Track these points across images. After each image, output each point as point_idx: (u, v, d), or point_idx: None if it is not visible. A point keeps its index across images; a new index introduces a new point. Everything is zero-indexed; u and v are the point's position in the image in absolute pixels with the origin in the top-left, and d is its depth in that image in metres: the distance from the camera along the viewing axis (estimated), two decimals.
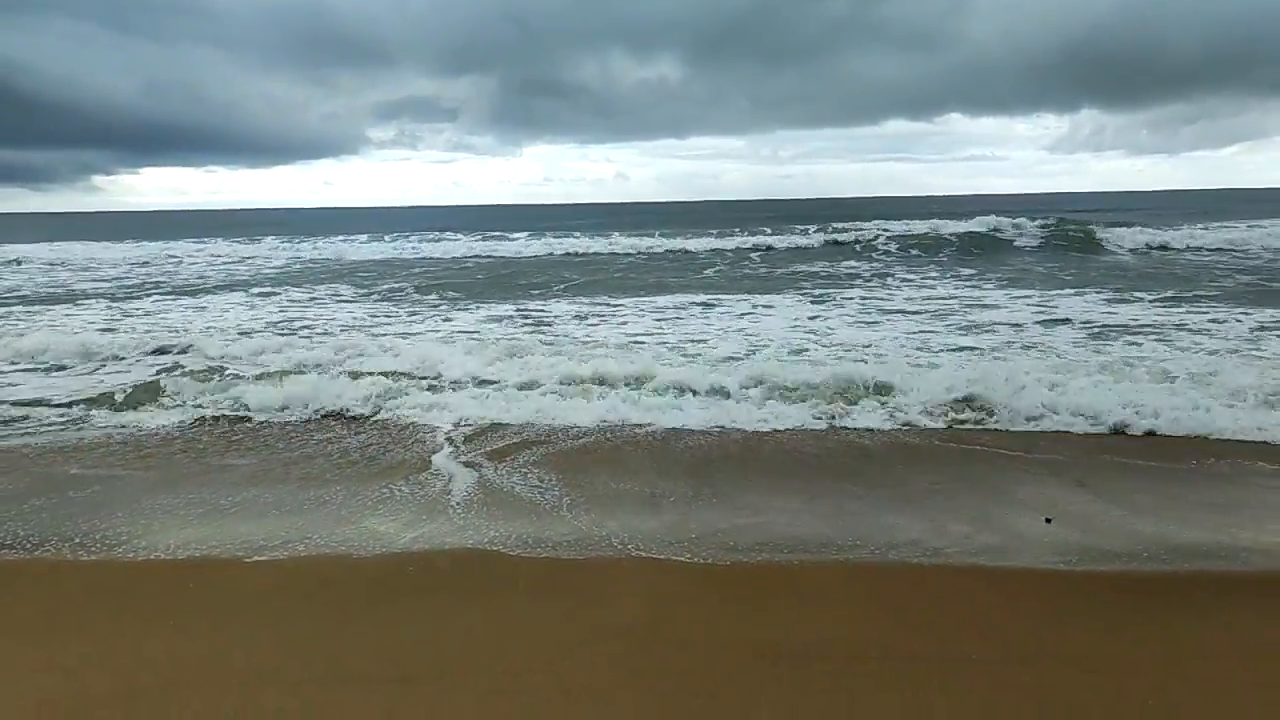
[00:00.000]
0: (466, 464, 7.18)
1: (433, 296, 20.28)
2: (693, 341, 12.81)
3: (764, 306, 17.01)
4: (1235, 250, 27.88)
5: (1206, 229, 34.87)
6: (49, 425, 8.77)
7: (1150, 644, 4.22)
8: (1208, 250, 28.02)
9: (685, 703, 3.76)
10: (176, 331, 14.92)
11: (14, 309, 19.35)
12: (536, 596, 4.87)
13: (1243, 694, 3.77)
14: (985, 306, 16.27)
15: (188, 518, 6.15)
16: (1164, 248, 28.53)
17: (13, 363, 11.92)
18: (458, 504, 6.29)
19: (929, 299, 17.65)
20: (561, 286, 22.32)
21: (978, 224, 34.33)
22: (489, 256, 32.43)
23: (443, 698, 3.82)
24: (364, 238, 45.42)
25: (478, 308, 17.82)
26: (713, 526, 5.81)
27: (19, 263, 34.03)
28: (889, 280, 21.77)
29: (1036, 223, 34.41)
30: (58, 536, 5.86)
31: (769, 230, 40.06)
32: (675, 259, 29.70)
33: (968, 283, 20.59)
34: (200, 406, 9.36)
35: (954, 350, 11.76)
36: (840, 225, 39.13)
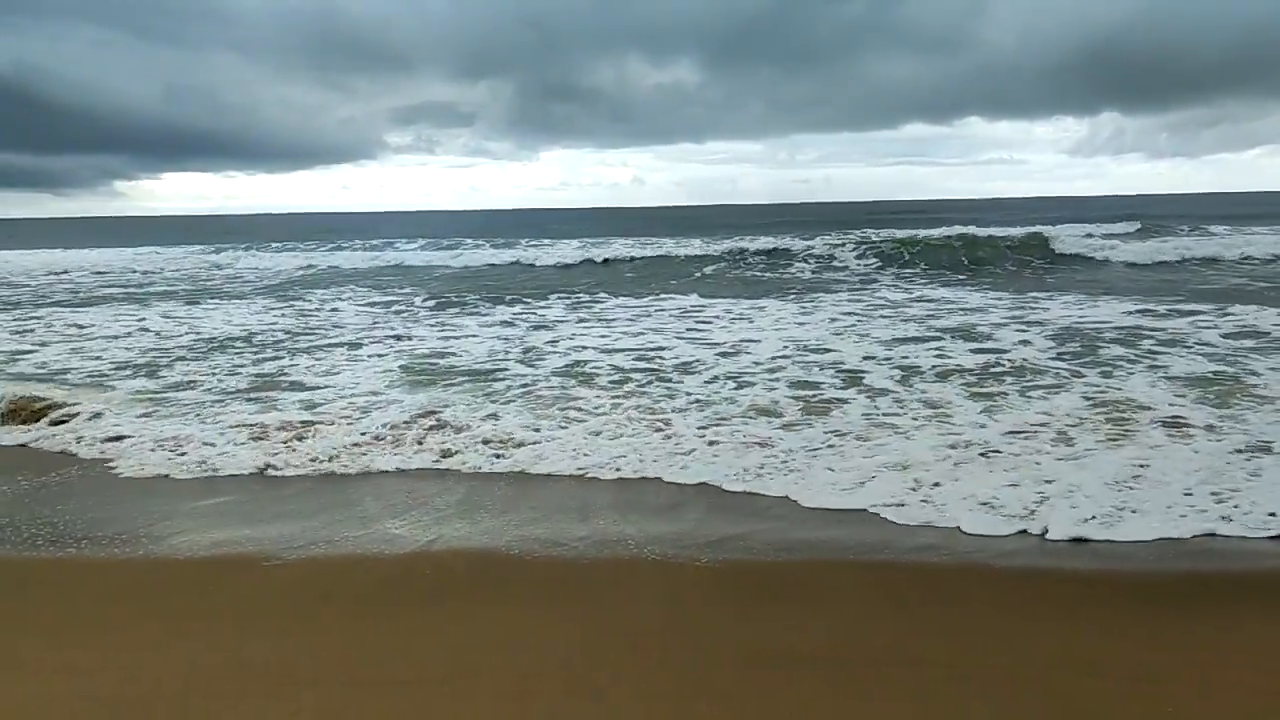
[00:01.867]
0: None
1: (437, 302, 20.62)
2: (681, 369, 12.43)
3: (755, 311, 17.45)
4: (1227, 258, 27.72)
5: (1224, 233, 34.83)
6: None
7: (1168, 649, 4.16)
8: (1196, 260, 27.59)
9: (698, 707, 3.75)
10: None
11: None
12: (549, 599, 4.90)
13: (1265, 701, 3.70)
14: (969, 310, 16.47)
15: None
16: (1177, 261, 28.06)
17: None
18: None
19: (922, 305, 17.68)
20: (558, 291, 22.61)
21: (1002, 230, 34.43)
22: (505, 263, 32.84)
23: (456, 701, 3.83)
24: (379, 242, 46.15)
25: (482, 314, 18.26)
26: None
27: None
28: (883, 289, 21.95)
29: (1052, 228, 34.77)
30: (79, 536, 6.01)
31: (781, 235, 40.43)
32: (681, 262, 30.05)
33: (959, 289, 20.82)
34: None
35: (944, 378, 10.87)
36: (832, 233, 39.41)
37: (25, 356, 13.68)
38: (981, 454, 7.33)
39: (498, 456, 7.70)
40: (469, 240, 47.07)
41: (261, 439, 8.43)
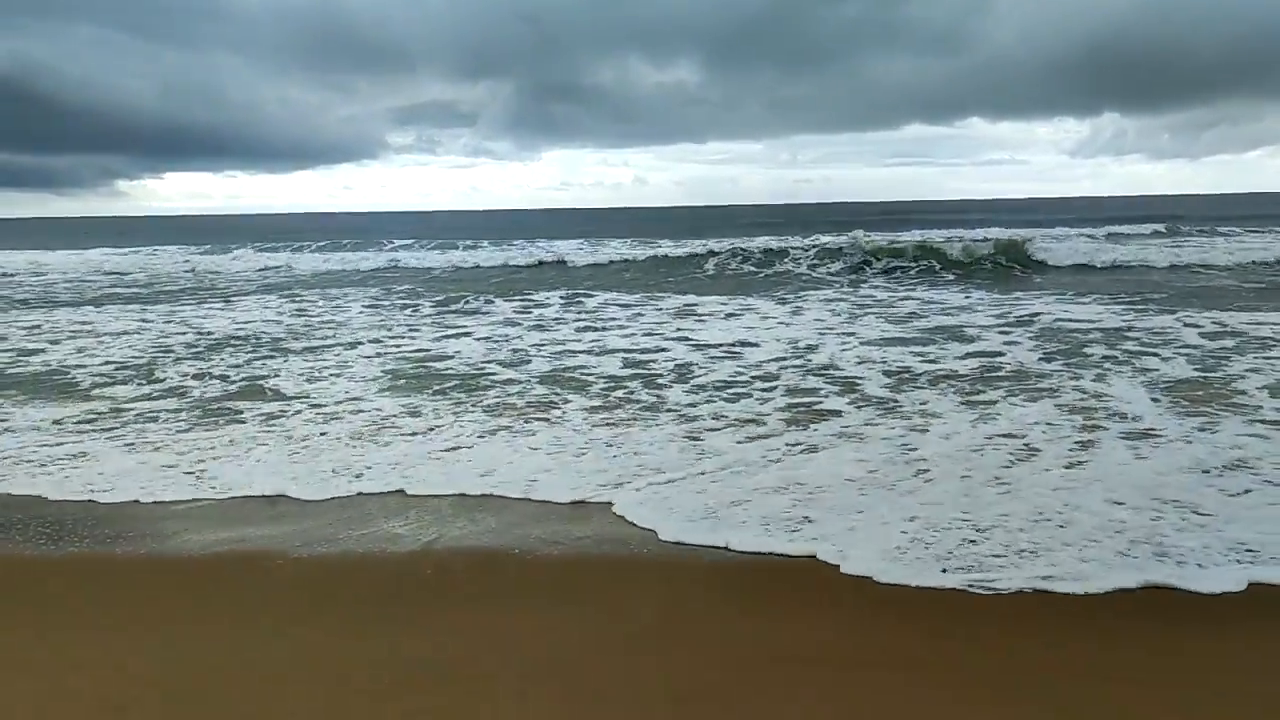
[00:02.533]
0: None
1: (436, 302, 20.65)
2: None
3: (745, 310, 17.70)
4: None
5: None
6: None
7: (1163, 655, 4.15)
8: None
9: (700, 708, 3.79)
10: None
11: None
12: (551, 599, 4.97)
13: (1261, 708, 3.73)
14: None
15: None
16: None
17: None
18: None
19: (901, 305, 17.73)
20: (558, 291, 22.55)
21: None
22: (505, 264, 32.88)
23: (459, 702, 3.86)
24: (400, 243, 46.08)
25: (480, 315, 18.28)
26: None
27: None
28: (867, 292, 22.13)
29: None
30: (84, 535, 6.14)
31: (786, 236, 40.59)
32: (680, 262, 30.13)
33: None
34: None
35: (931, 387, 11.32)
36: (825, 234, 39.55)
37: (34, 355, 13.92)
38: (918, 473, 7.10)
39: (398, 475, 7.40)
40: (470, 240, 47.24)
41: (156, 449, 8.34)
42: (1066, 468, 7.17)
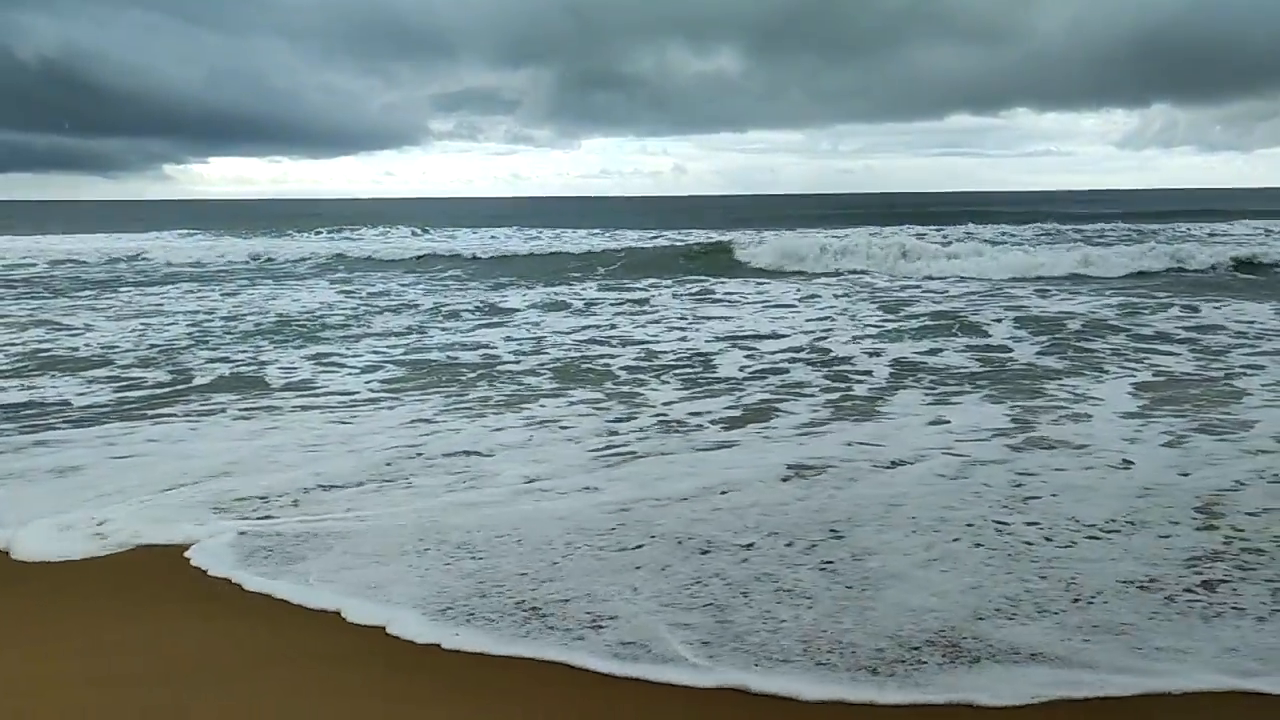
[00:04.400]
0: None
1: (472, 289, 21.22)
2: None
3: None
4: None
5: None
6: None
7: None
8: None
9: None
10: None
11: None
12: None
13: None
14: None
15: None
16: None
17: None
18: None
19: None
20: (592, 279, 22.87)
21: None
22: (544, 251, 33.30)
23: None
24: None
25: (512, 301, 18.66)
26: None
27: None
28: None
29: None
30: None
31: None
32: (712, 252, 30.36)
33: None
34: None
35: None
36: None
37: (81, 334, 14.65)
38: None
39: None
40: (510, 227, 47.97)
41: None
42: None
